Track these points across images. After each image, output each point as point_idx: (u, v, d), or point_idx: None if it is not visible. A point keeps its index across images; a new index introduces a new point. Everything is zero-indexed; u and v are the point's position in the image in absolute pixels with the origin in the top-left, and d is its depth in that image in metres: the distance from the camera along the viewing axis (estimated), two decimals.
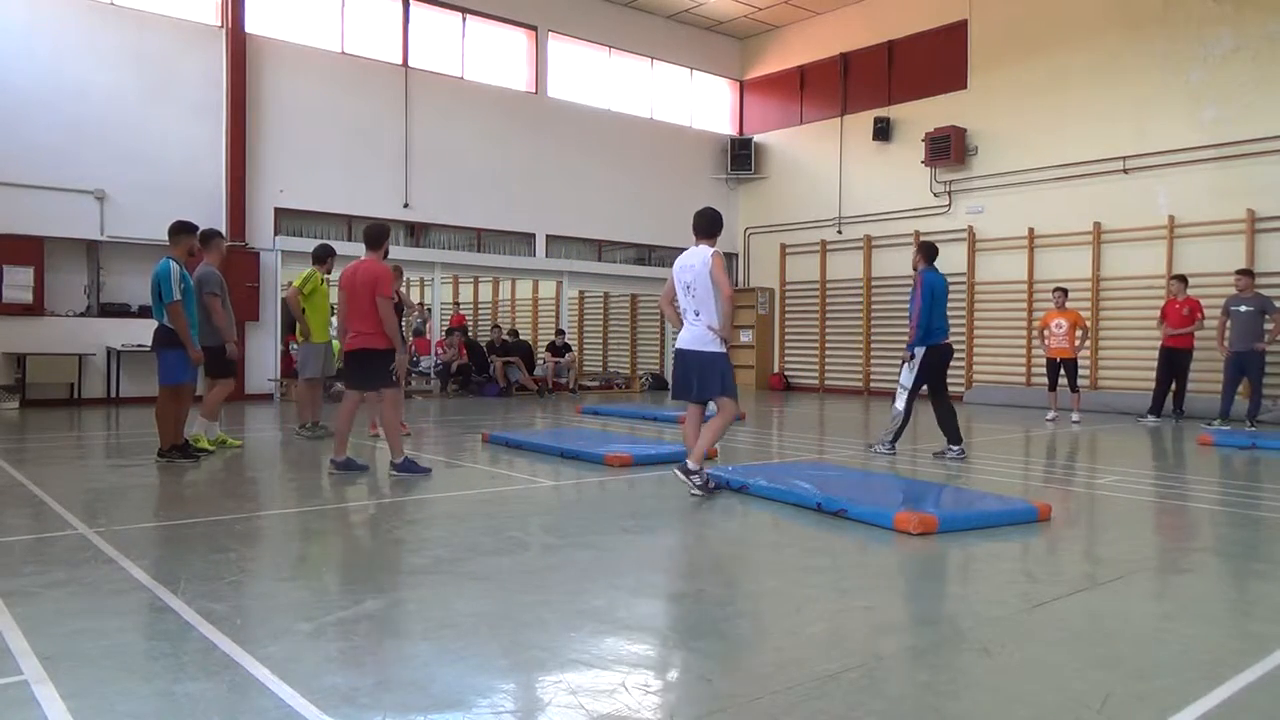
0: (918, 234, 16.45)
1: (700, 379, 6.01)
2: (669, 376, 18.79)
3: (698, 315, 6.01)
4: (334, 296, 8.40)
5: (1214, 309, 11.66)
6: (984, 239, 15.65)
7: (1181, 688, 2.79)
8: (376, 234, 6.99)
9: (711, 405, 6.28)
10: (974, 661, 3.05)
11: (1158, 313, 12.19)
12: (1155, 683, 2.86)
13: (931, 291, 8.00)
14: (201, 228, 7.92)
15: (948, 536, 4.87)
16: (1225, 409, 11.12)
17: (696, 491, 5.93)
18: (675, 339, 6.36)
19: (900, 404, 8.18)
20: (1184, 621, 3.57)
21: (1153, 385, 11.95)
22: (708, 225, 6.15)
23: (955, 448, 8.12)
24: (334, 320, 9.03)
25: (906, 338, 8.34)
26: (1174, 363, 11.73)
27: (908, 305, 8.47)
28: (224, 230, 13.34)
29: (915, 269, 8.33)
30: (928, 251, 8.34)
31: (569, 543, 4.74)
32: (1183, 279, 11.96)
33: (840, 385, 17.87)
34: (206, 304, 7.76)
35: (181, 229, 7.32)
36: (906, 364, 8.20)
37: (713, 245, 6.12)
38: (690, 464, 5.99)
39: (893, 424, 8.27)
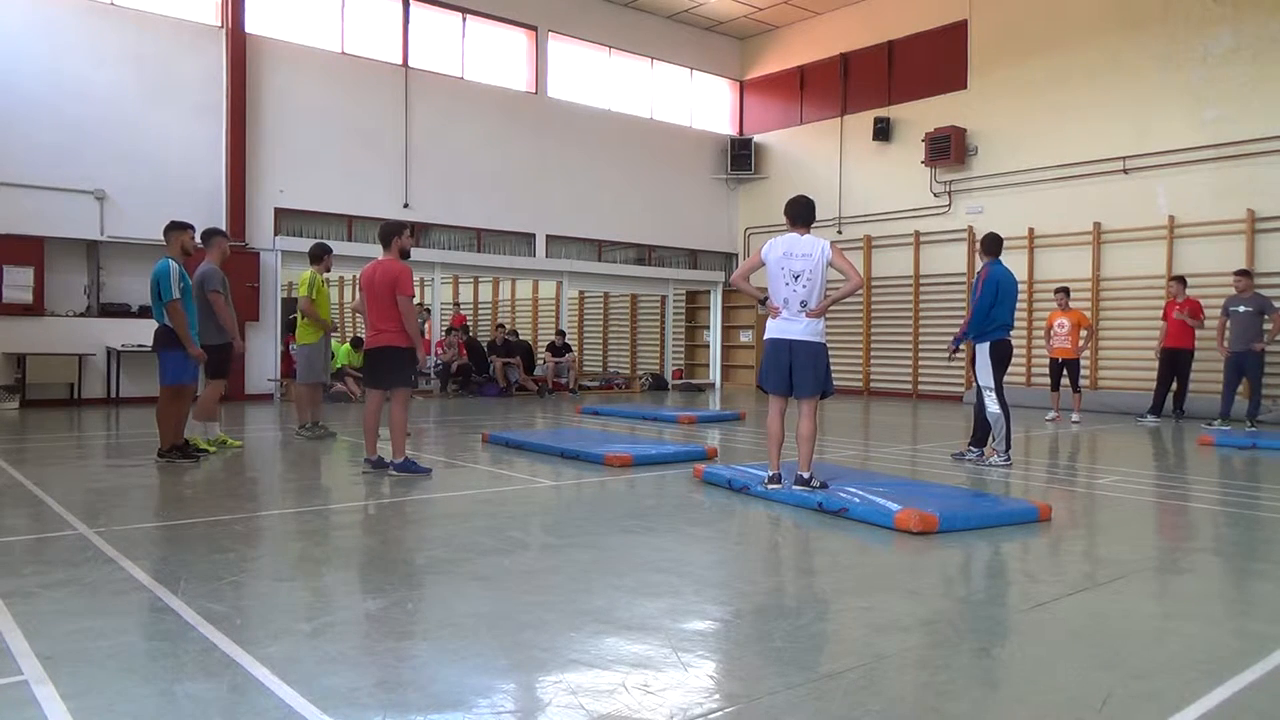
0: (918, 234, 16.47)
1: (812, 371, 5.81)
2: (669, 376, 19.05)
3: (804, 306, 5.82)
4: (334, 296, 8.38)
5: (1214, 309, 11.66)
6: None
7: (1181, 688, 2.79)
8: (384, 233, 7.03)
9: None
10: (974, 661, 3.05)
11: (1159, 313, 12.20)
12: (1155, 683, 2.86)
13: (997, 286, 7.59)
14: (202, 227, 7.91)
15: (948, 536, 4.87)
16: (1225, 409, 11.12)
17: (815, 485, 5.78)
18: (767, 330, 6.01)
19: (994, 407, 7.57)
20: (1184, 621, 3.57)
21: (1153, 385, 11.96)
22: (807, 213, 6.00)
23: (976, 450, 7.90)
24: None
25: (950, 334, 7.72)
26: (1175, 363, 11.73)
27: (969, 300, 7.91)
28: (224, 230, 13.36)
29: (982, 258, 7.92)
30: (990, 244, 7.89)
31: (569, 543, 4.74)
32: (1181, 280, 11.96)
33: (840, 385, 17.85)
34: (210, 301, 7.75)
35: (174, 227, 7.33)
36: (974, 365, 7.78)
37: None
38: (803, 474, 5.83)
39: (998, 430, 7.60)
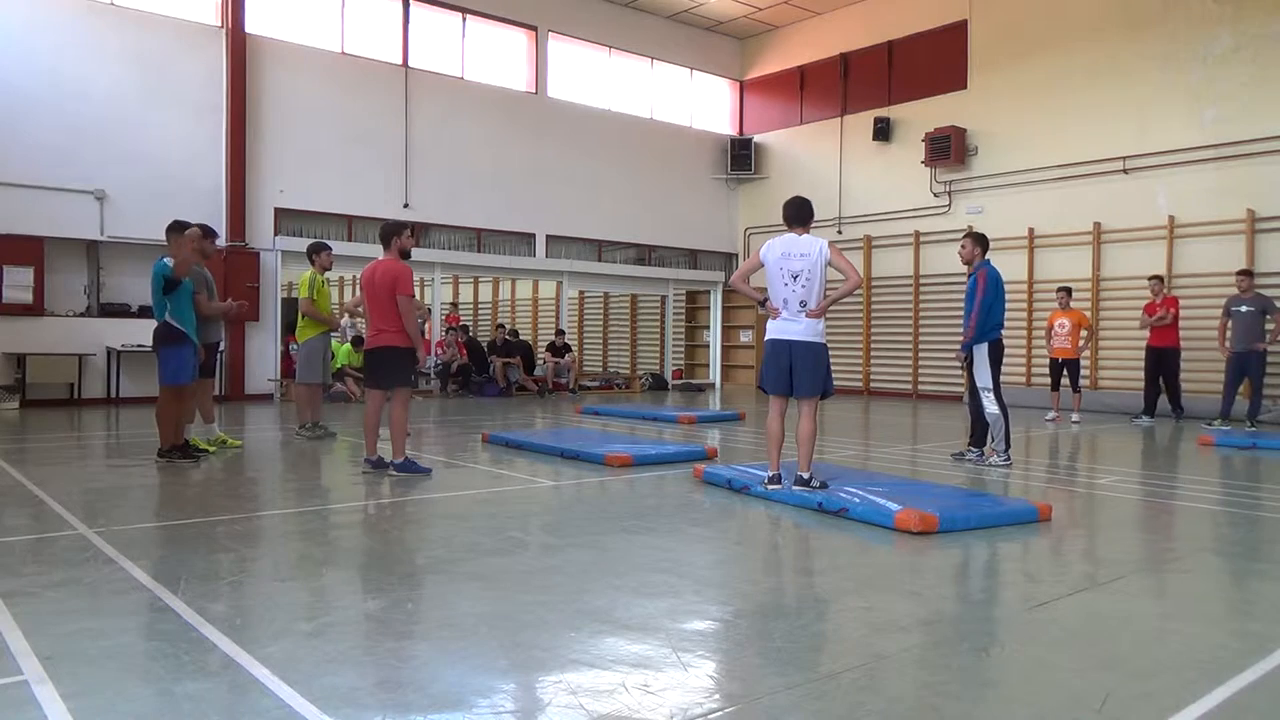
0: (918, 234, 16.47)
1: (812, 372, 5.79)
2: (669, 376, 19.04)
3: (804, 306, 5.80)
4: (335, 295, 8.37)
5: (1214, 309, 11.66)
6: None
7: (1181, 688, 2.79)
8: (385, 233, 7.06)
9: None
10: (974, 661, 3.05)
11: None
12: (1155, 683, 2.86)
13: (996, 285, 7.63)
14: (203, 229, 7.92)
15: (948, 536, 4.87)
16: (1226, 409, 11.11)
17: (815, 485, 5.78)
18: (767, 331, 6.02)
19: (993, 407, 7.58)
20: (1184, 621, 3.57)
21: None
22: (805, 213, 5.97)
23: (976, 450, 7.89)
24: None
25: (956, 337, 7.69)
26: (1160, 363, 11.74)
27: (964, 302, 7.80)
28: (223, 230, 13.35)
29: (969, 263, 7.84)
30: (983, 242, 7.90)
31: (569, 543, 4.74)
32: (1159, 279, 12.03)
33: (840, 385, 17.84)
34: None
35: (175, 228, 7.33)
36: (971, 366, 7.75)
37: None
38: (803, 474, 5.82)
39: (996, 431, 7.60)
